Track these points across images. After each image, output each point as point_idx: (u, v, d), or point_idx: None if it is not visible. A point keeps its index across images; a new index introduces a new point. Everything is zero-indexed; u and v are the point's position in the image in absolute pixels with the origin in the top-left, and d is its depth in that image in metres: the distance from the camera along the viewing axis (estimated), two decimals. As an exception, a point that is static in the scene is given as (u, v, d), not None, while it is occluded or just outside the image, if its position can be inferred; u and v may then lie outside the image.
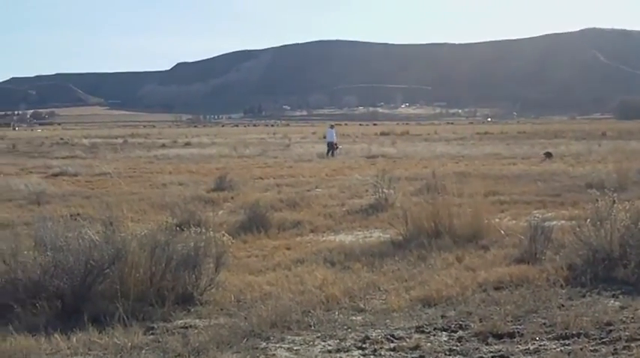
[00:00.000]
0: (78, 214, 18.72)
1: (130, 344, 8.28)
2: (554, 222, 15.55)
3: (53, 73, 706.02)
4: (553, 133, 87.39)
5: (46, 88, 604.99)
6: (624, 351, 7.66)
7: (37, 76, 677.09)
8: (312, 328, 8.88)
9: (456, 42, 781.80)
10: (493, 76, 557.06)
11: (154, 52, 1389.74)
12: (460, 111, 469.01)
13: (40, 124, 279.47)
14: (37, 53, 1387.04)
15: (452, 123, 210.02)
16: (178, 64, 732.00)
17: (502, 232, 14.79)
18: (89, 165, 40.45)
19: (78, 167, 38.61)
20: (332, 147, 51.05)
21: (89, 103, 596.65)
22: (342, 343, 8.31)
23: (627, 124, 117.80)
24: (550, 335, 8.34)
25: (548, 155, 42.86)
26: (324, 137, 60.34)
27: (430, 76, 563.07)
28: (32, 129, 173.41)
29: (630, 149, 48.11)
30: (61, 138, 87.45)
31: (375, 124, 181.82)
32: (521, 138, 75.89)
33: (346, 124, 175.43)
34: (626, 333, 8.22)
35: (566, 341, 8.10)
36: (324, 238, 16.40)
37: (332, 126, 55.80)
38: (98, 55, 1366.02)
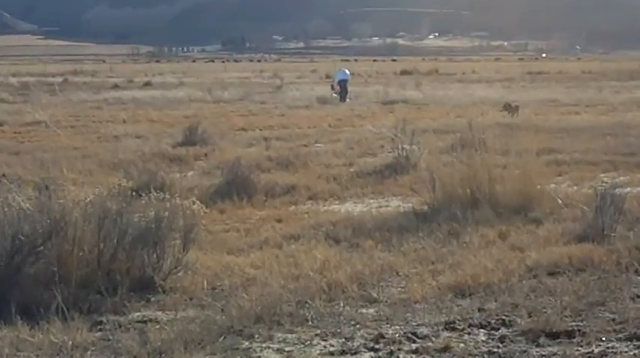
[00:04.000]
0: (3, 175, 18.72)
1: (71, 342, 8.29)
2: (628, 189, 15.60)
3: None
4: (628, 73, 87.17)
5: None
6: None
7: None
8: (310, 323, 8.93)
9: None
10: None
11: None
12: (506, 43, 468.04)
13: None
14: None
15: (497, 59, 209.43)
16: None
17: (559, 201, 14.84)
18: (18, 111, 40.36)
19: (4, 114, 38.59)
20: (345, 89, 51.07)
21: (19, 31, 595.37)
22: (349, 343, 8.37)
23: None
24: (621, 335, 8.39)
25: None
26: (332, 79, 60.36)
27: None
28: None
29: None
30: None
31: (394, 60, 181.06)
32: (586, 80, 75.76)
33: (356, 60, 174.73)
34: None
35: (642, 343, 8.16)
36: (325, 208, 16.49)
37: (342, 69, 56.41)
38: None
